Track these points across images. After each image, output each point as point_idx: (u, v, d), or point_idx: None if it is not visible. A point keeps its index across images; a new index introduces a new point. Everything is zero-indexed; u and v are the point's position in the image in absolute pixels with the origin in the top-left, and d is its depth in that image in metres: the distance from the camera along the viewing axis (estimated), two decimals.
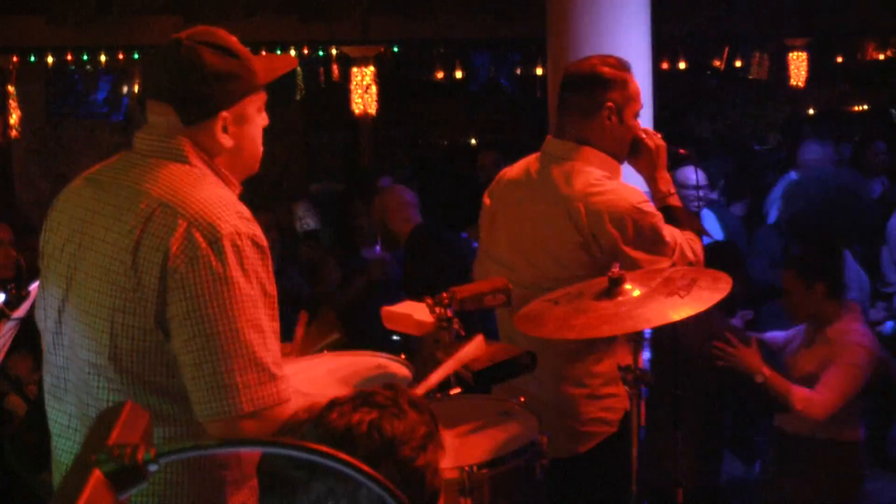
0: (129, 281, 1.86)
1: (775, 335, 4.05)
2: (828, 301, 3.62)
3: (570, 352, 2.82)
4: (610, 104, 2.81)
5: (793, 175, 6.48)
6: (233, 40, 2.00)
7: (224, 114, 1.96)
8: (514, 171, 3.04)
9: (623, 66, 2.86)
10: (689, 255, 2.82)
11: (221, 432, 1.84)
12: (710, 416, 3.81)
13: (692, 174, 4.73)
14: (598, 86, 2.82)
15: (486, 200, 3.10)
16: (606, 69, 2.84)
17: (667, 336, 3.66)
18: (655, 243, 2.75)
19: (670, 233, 2.80)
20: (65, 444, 2.06)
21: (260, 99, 2.04)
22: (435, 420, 1.43)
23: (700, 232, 2.99)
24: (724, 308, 3.81)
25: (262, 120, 2.07)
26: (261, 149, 2.09)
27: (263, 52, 9.61)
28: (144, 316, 1.86)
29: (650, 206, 2.79)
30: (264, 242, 1.91)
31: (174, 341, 1.84)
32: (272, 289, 1.91)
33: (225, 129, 1.97)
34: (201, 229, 1.82)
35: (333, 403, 1.40)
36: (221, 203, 1.88)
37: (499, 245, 3.02)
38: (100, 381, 1.93)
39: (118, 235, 1.89)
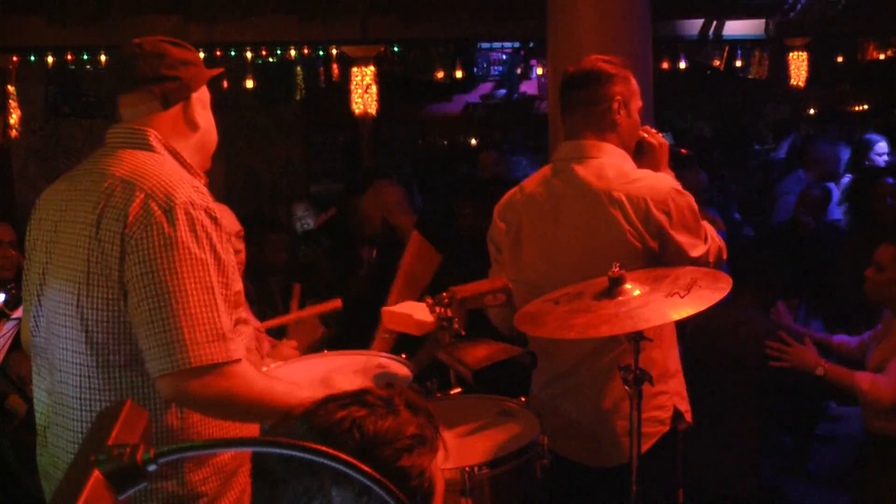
0: (92, 253, 1.98)
1: (844, 339, 4.06)
2: None
3: (618, 354, 2.78)
4: (618, 97, 2.81)
5: (801, 174, 6.47)
6: (180, 40, 2.24)
7: (195, 95, 2.20)
8: (528, 188, 2.95)
9: (622, 63, 2.89)
10: (718, 241, 2.84)
11: (170, 388, 1.93)
12: (755, 419, 3.81)
13: (700, 175, 4.74)
14: (604, 80, 2.83)
15: (501, 224, 2.98)
16: (608, 65, 2.85)
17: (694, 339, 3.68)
18: (695, 224, 2.76)
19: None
20: (46, 420, 2.15)
21: (207, 90, 2.27)
22: (433, 424, 1.41)
23: (711, 222, 3.01)
24: (764, 307, 3.84)
25: (210, 112, 2.28)
26: (216, 138, 2.30)
27: (263, 52, 9.59)
28: (108, 286, 1.97)
29: (681, 187, 2.80)
30: (218, 215, 2.04)
31: (130, 303, 1.94)
32: (227, 258, 2.02)
33: (196, 111, 2.21)
34: (157, 200, 1.96)
35: (326, 400, 1.39)
36: (179, 179, 2.03)
37: (529, 266, 2.91)
38: (68, 354, 2.03)
39: (84, 213, 2.03)
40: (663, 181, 2.76)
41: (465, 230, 5.12)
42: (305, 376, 2.52)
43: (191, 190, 2.01)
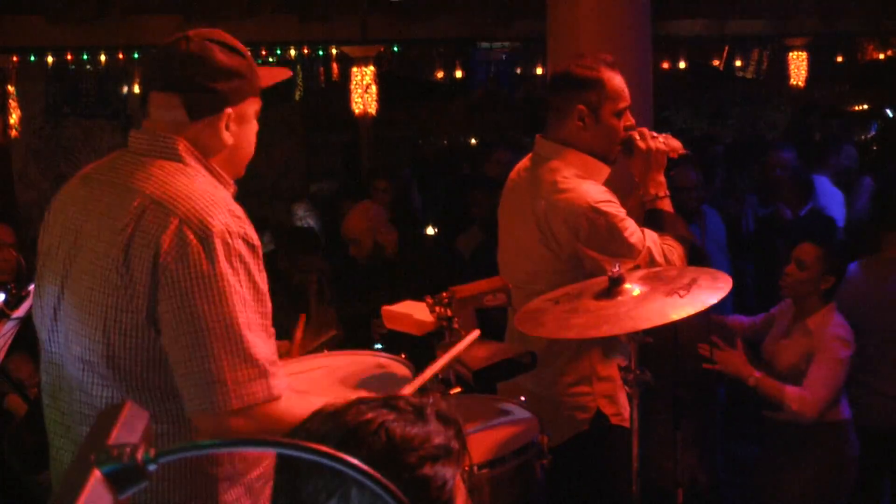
0: (121, 278, 1.87)
1: (738, 318, 4.09)
2: (822, 296, 3.67)
3: (542, 353, 2.82)
4: (581, 107, 2.79)
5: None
6: (237, 42, 2.04)
7: (229, 110, 1.99)
8: (514, 171, 3.07)
9: (599, 65, 2.81)
10: (659, 259, 2.79)
11: (210, 427, 1.85)
12: (706, 414, 3.83)
13: (692, 174, 4.73)
14: (570, 87, 2.81)
15: (501, 200, 3.15)
16: (579, 70, 2.81)
17: (667, 336, 3.67)
18: (613, 244, 2.72)
19: (638, 236, 2.76)
20: (60, 441, 2.06)
21: (257, 103, 2.08)
22: (461, 438, 1.40)
23: (684, 238, 2.94)
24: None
25: (255, 125, 2.10)
26: (252, 150, 2.13)
27: (263, 52, 9.58)
28: (136, 312, 1.87)
29: (611, 207, 2.75)
30: (256, 241, 1.93)
31: (165, 338, 1.85)
32: (264, 286, 1.92)
33: (227, 127, 2.00)
34: (192, 227, 1.84)
35: (358, 401, 1.39)
36: (213, 201, 1.89)
37: (500, 246, 3.07)
38: (93, 377, 1.95)
39: (110, 233, 1.90)
40: (585, 196, 2.72)
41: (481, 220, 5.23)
42: (305, 377, 2.52)
43: (227, 215, 1.88)
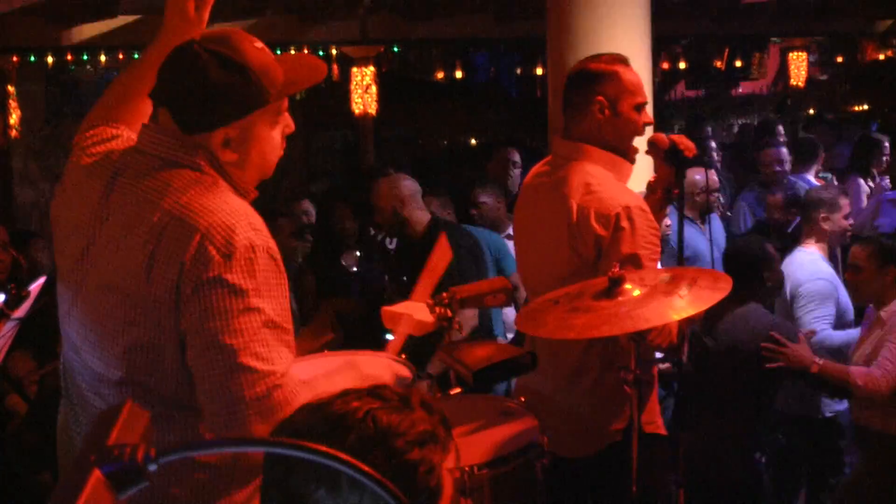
0: (142, 295, 1.86)
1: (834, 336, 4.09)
2: (893, 286, 3.68)
3: (570, 370, 2.81)
4: (599, 98, 2.81)
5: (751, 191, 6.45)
6: (247, 49, 1.90)
7: (224, 129, 1.91)
8: (531, 173, 3.05)
9: (614, 60, 2.88)
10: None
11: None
12: (751, 416, 3.82)
13: (701, 176, 4.72)
14: (587, 81, 2.85)
15: (518, 206, 3.13)
16: (594, 64, 2.88)
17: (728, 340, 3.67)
18: (645, 247, 2.67)
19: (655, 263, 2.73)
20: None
21: (273, 110, 1.98)
22: (446, 425, 1.42)
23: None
24: (763, 300, 3.84)
25: (281, 128, 2.02)
26: (275, 157, 2.04)
27: None
28: (159, 329, 1.86)
29: (642, 214, 2.70)
30: (278, 254, 1.90)
31: (188, 353, 1.85)
32: (285, 299, 1.91)
33: (228, 144, 1.92)
34: (215, 243, 1.82)
35: (344, 392, 1.42)
36: (235, 214, 1.86)
37: (521, 254, 3.05)
38: (110, 388, 1.94)
39: (130, 249, 1.88)
40: (618, 197, 2.70)
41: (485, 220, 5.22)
42: (305, 377, 2.52)
43: (248, 229, 1.84)
